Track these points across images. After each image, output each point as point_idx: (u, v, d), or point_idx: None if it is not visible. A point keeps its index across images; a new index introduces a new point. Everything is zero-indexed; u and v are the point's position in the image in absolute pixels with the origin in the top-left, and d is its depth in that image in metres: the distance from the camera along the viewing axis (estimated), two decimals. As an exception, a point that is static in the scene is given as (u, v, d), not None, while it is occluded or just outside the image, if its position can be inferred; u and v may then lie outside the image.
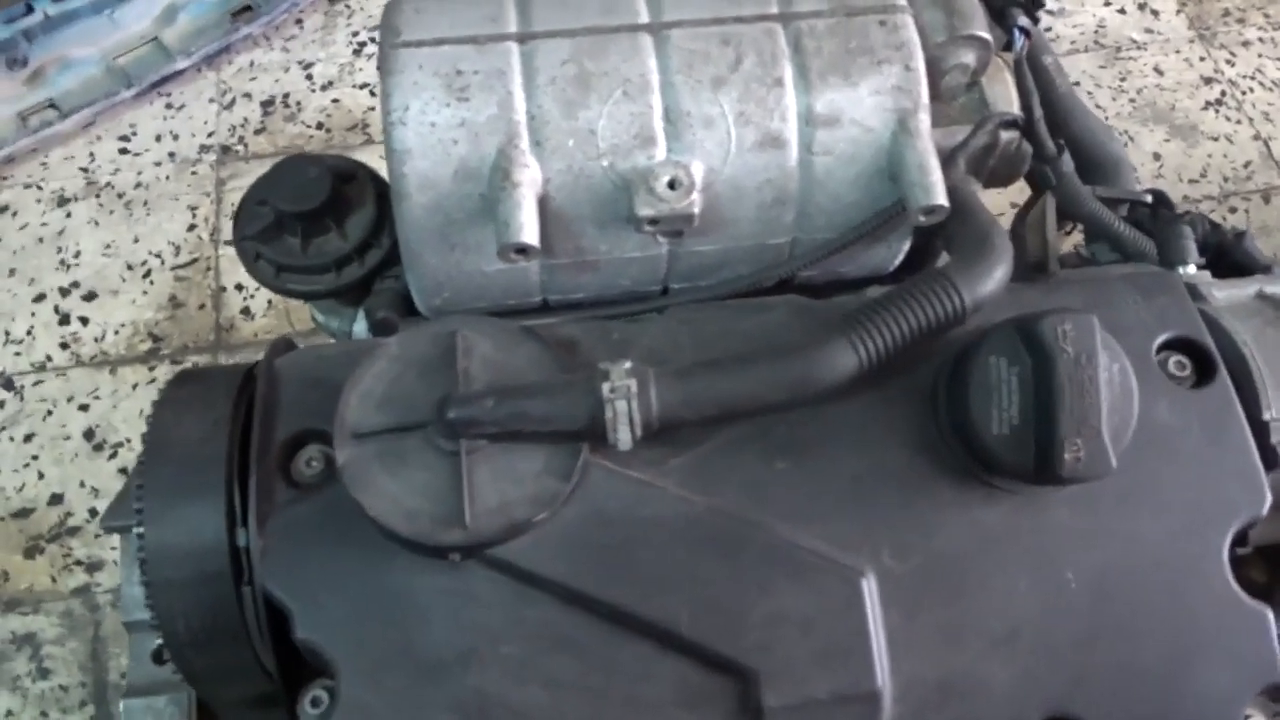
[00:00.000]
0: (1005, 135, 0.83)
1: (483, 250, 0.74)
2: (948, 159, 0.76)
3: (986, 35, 0.79)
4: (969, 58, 0.80)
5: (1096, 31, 2.21)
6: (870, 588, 0.67)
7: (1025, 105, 0.84)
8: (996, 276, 0.70)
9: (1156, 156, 2.04)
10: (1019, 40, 0.84)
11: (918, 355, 0.71)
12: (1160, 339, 0.75)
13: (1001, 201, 1.27)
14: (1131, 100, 2.12)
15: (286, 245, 0.81)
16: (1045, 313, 0.66)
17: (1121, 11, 2.24)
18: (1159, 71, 2.16)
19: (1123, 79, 2.15)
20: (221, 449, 0.70)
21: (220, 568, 0.68)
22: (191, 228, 1.88)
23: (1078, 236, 1.03)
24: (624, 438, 0.65)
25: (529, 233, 0.69)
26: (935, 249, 0.84)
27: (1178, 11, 2.26)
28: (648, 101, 0.73)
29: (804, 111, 0.74)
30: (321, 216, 0.80)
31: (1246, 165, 2.06)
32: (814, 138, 0.74)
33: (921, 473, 0.70)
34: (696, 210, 0.72)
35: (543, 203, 0.72)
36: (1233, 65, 2.18)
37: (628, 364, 0.66)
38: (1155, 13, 2.25)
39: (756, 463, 0.70)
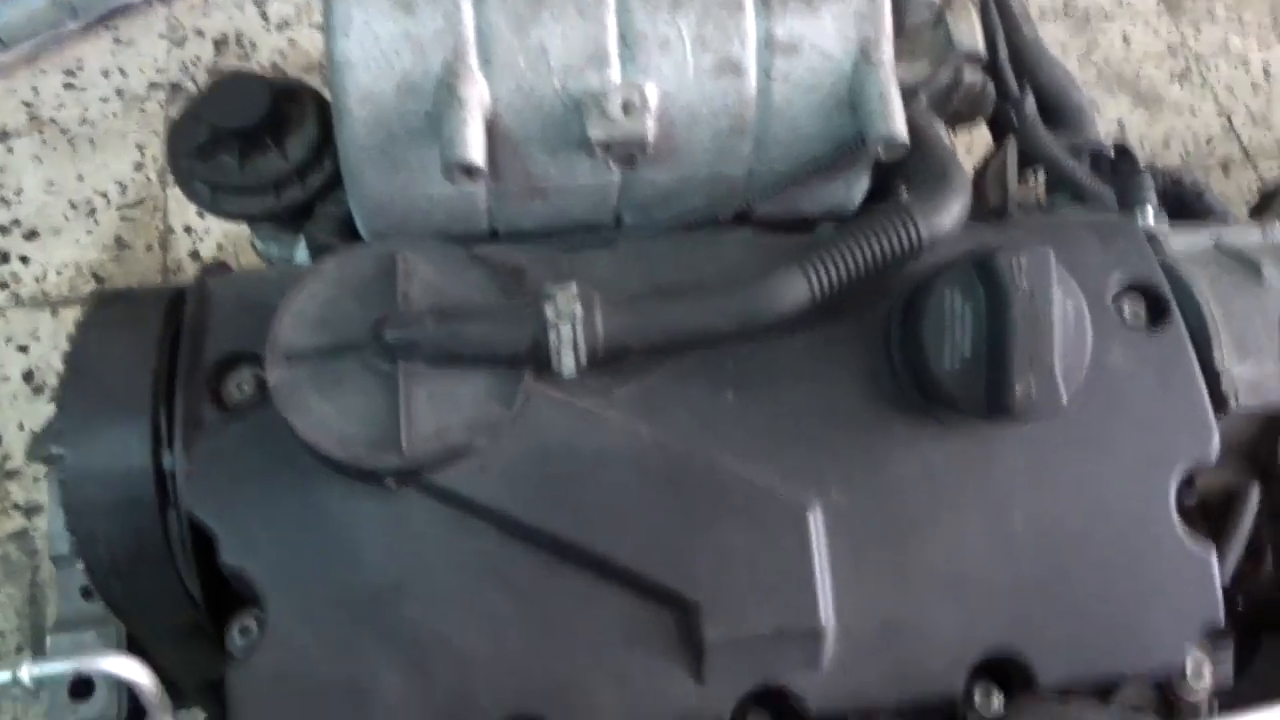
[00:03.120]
0: (969, 74, 0.81)
1: (427, 171, 0.71)
2: (910, 94, 0.74)
3: (952, -32, 0.77)
4: (934, -10, 0.78)
5: (1066, 1, 2.21)
6: (816, 522, 0.66)
7: (990, 43, 0.82)
8: (954, 211, 0.68)
9: (1121, 125, 2.04)
10: (986, -25, 0.83)
11: (872, 290, 0.70)
12: (1115, 282, 0.74)
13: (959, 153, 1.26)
14: (1098, 69, 2.12)
15: (223, 164, 0.77)
16: (1001, 246, 0.65)
17: (1094, -20, 2.24)
18: (1126, 41, 2.16)
19: (1090, 48, 2.14)
20: (148, 368, 0.67)
21: (144, 491, 0.66)
22: (139, 167, 1.82)
23: (1038, 187, 1.02)
24: (568, 364, 0.63)
25: (474, 151, 0.66)
26: (895, 188, 0.83)
27: (1148, -17, 2.26)
28: (602, 20, 0.70)
29: (764, 37, 0.71)
30: (260, 135, 0.76)
31: (1209, 141, 2.07)
32: (773, 64, 0.72)
33: (872, 408, 0.69)
34: (650, 135, 0.70)
35: (491, 124, 0.69)
36: (1199, 38, 2.18)
37: (573, 288, 0.64)
38: (1125, -17, 2.25)
39: (705, 394, 0.68)
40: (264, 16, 1.98)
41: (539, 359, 0.64)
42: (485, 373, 0.65)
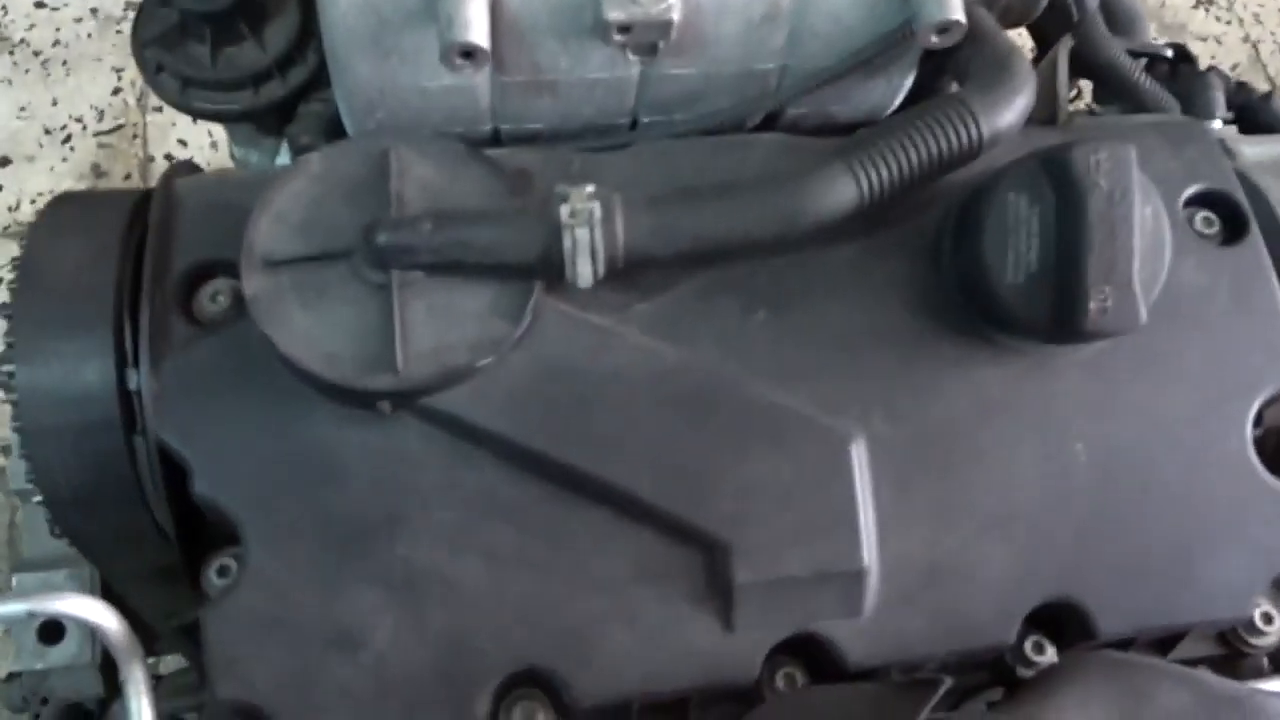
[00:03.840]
0: (1024, -37, 0.73)
1: (422, 59, 0.63)
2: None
3: None
4: None
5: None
6: (859, 455, 0.59)
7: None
8: (1018, 105, 0.61)
9: (1147, 54, 1.95)
10: None
11: (921, 195, 0.62)
12: (1188, 192, 0.67)
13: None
14: (1122, -5, 2.02)
15: (193, 54, 0.69)
16: (1076, 141, 0.57)
17: (1119, -97, 2.13)
18: (1149, -31, 2.07)
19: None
20: (109, 278, 0.59)
21: (107, 414, 0.58)
22: (116, 91, 1.73)
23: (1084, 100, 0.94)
24: (584, 272, 0.56)
25: (476, 31, 0.58)
26: (938, 91, 0.75)
27: (1176, -93, 2.16)
28: (623, -113, 0.62)
29: (804, -90, 0.63)
30: (234, 19, 0.68)
31: (1234, 67, 1.99)
32: (813, -57, 0.64)
33: (921, 329, 0.62)
34: (675, 16, 0.61)
35: (494, 4, 0.61)
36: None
37: (590, 188, 0.56)
38: (1154, -92, 2.15)
39: (734, 312, 0.61)
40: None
41: (551, 268, 0.56)
42: (490, 283, 0.58)
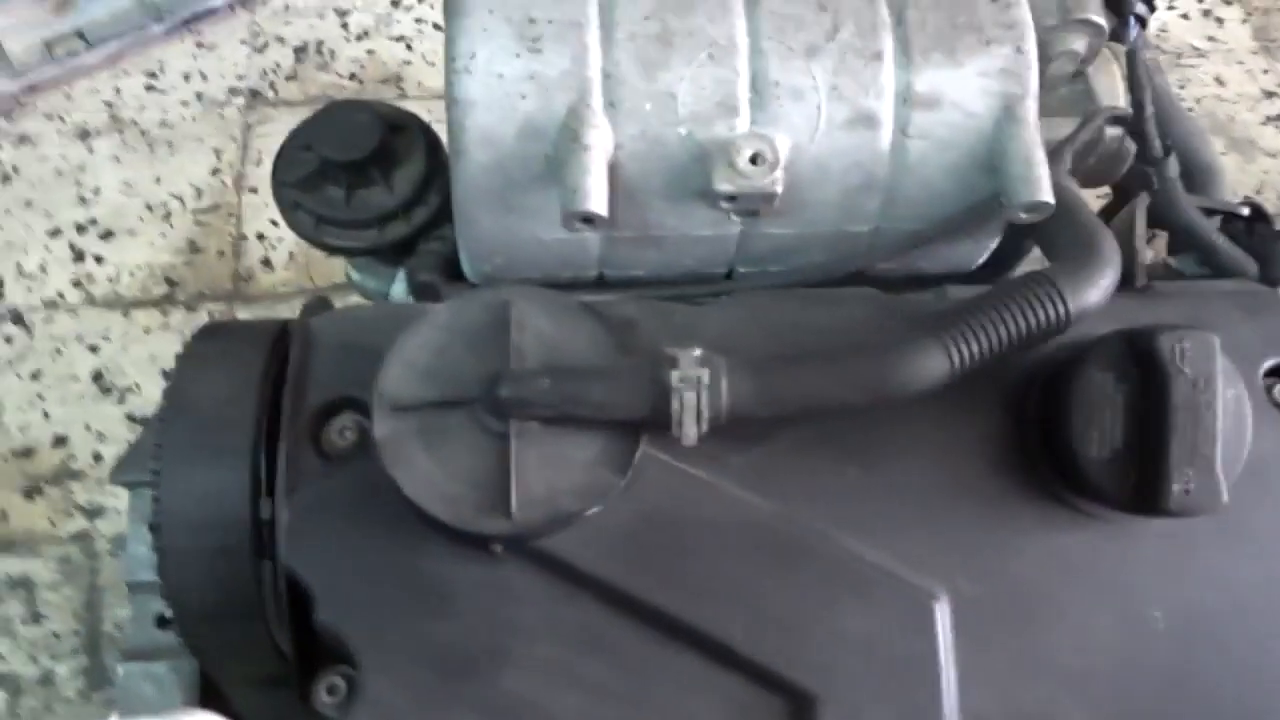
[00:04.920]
0: (1110, 131, 0.77)
1: (542, 216, 0.68)
2: (1052, 153, 0.70)
3: (1101, 21, 0.72)
4: (1079, 44, 0.74)
5: (1158, 36, 2.14)
6: (942, 612, 0.62)
7: (1137, 100, 0.77)
8: (1104, 284, 0.64)
9: (1213, 169, 1.97)
10: (1135, 29, 0.78)
11: (1006, 364, 0.65)
12: (1268, 364, 0.69)
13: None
14: (1189, 109, 2.04)
15: (329, 196, 0.75)
16: (1161, 327, 0.60)
17: (1185, 17, 2.17)
18: (1220, 82, 2.09)
19: (1182, 86, 2.07)
20: (249, 412, 0.64)
21: (240, 540, 0.63)
22: (215, 171, 1.82)
23: (1160, 248, 0.97)
24: (690, 432, 0.60)
25: (596, 200, 0.63)
26: (1023, 249, 0.79)
27: (1243, 21, 2.19)
28: (734, 67, 0.67)
29: (902, 90, 0.68)
30: (368, 167, 0.74)
31: (1304, 184, 1.99)
32: (910, 119, 0.68)
33: (1003, 491, 0.65)
34: (779, 189, 0.66)
35: (611, 169, 0.66)
36: (1304, 81, 2.11)
37: (697, 352, 0.60)
38: (1219, 20, 2.18)
39: (826, 467, 0.64)
40: (344, 26, 1.98)
41: (658, 424, 0.60)
42: (599, 435, 0.61)
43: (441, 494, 0.60)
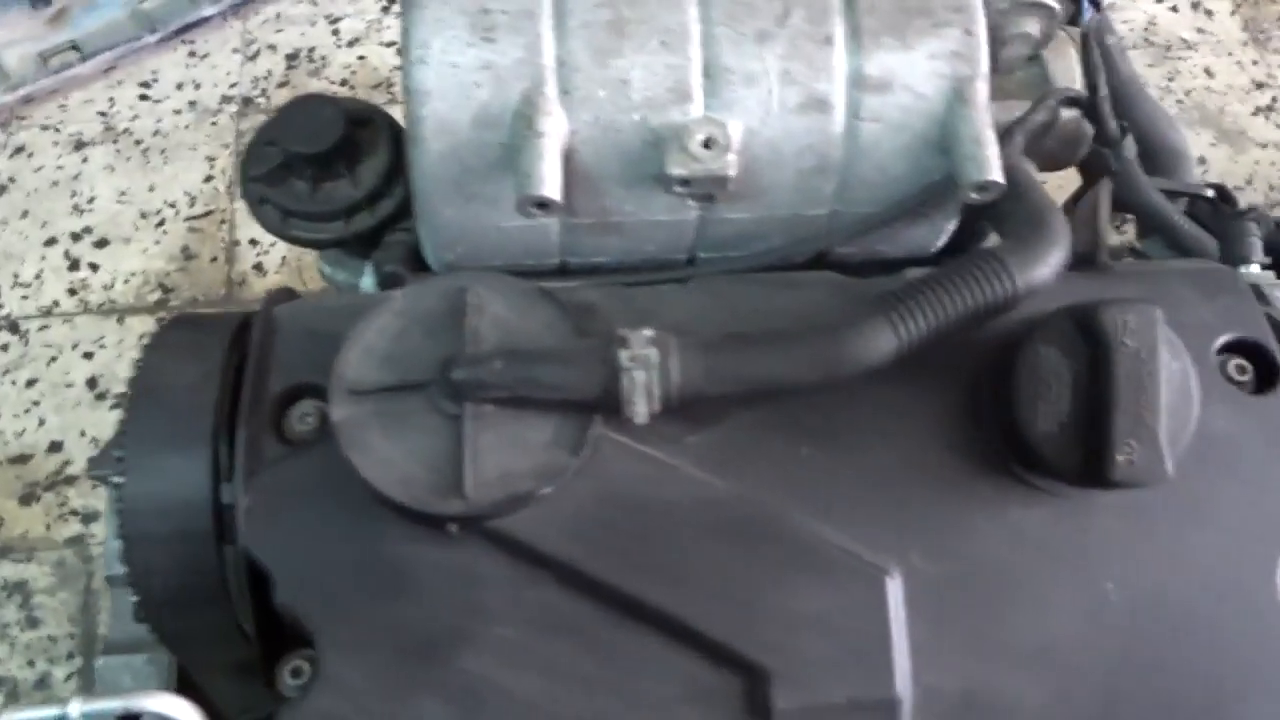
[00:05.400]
0: (1066, 114, 0.77)
1: (500, 203, 0.69)
2: (1004, 135, 0.71)
3: (1053, 3, 0.73)
4: (1033, 27, 0.74)
5: (1147, 29, 2.14)
6: (895, 589, 0.62)
7: (1091, 83, 0.78)
8: (1052, 261, 0.64)
9: (1202, 160, 1.96)
10: (1088, 12, 0.79)
11: (958, 342, 0.66)
12: (1221, 340, 0.70)
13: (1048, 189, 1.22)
14: (1179, 101, 2.05)
15: (294, 189, 0.76)
16: (1105, 301, 0.61)
17: (1174, 9, 2.17)
18: (1209, 73, 2.09)
19: (1171, 78, 2.08)
20: (211, 399, 0.65)
21: (202, 525, 0.64)
22: (209, 179, 1.84)
23: (1128, 232, 0.97)
24: (640, 410, 0.60)
25: (550, 185, 0.64)
26: (980, 231, 0.79)
27: (1232, 13, 2.19)
28: (686, 53, 0.68)
29: (853, 73, 0.69)
30: (333, 160, 0.75)
31: (1295, 174, 1.99)
32: (862, 102, 0.69)
33: (957, 468, 0.65)
34: (732, 172, 0.67)
35: (567, 156, 0.67)
36: (1287, 70, 2.11)
37: (649, 331, 0.61)
38: (1209, 12, 2.18)
39: (780, 447, 0.65)
40: (335, 33, 2.00)
41: (610, 404, 0.61)
42: (553, 416, 0.62)
43: (397, 476, 0.61)
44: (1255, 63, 2.12)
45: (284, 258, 1.76)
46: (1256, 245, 0.81)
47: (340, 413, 0.62)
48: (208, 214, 1.81)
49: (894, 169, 0.71)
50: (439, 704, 0.61)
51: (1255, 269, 0.80)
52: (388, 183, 0.78)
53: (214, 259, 1.77)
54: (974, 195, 0.67)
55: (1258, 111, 2.05)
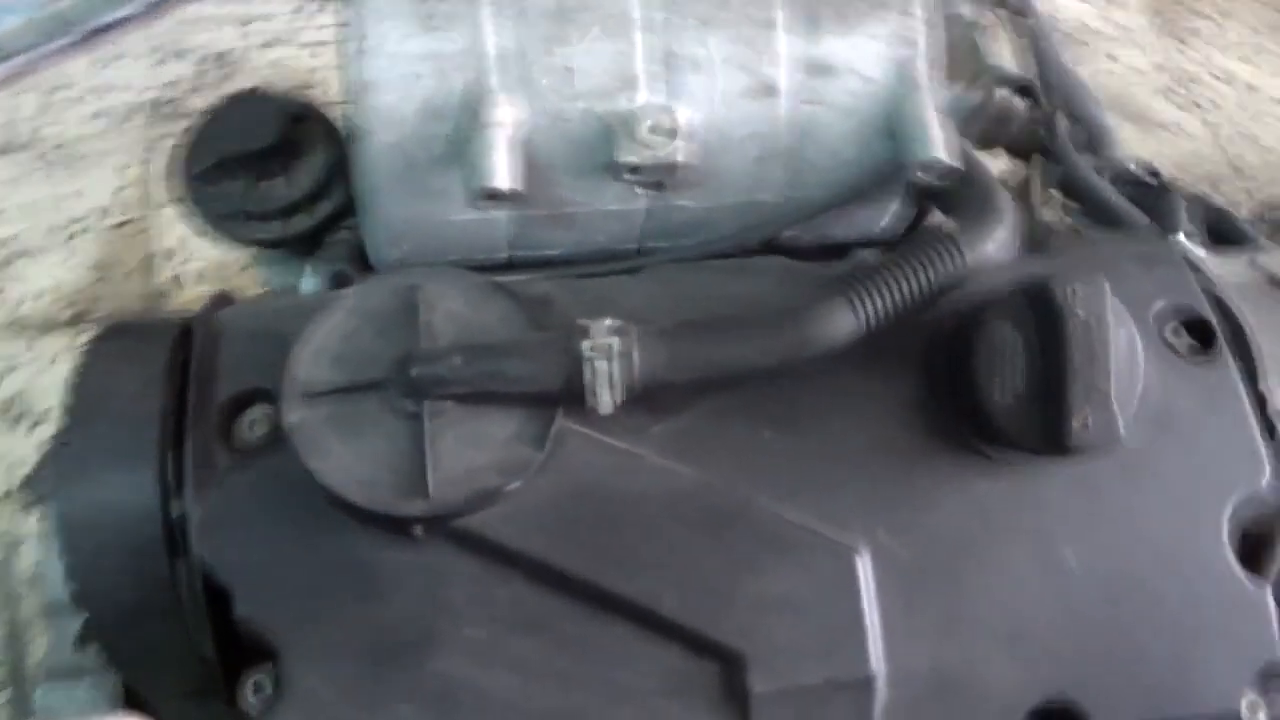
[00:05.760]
0: (1000, 93, 0.79)
1: (448, 197, 0.68)
2: (948, 117, 0.72)
3: (985, -15, 0.75)
4: (965, 8, 0.76)
5: (1055, 14, 2.21)
6: (865, 567, 0.63)
7: (1025, 63, 0.80)
8: (1000, 237, 0.66)
9: (1112, 142, 2.03)
10: (1013, -6, 0.81)
11: (911, 322, 0.67)
12: (1159, 309, 0.72)
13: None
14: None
15: (231, 190, 0.74)
16: (1054, 275, 0.62)
17: (1081, -4, 2.24)
18: (1113, 59, 2.16)
19: (1077, 65, 2.14)
20: (156, 407, 0.63)
21: (153, 540, 0.61)
22: (121, 189, 1.77)
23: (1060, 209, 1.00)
24: (605, 400, 0.60)
25: (501, 176, 0.63)
26: (926, 211, 0.80)
27: (1138, -4, 2.27)
28: (631, 40, 0.67)
29: (799, 58, 0.69)
30: (270, 159, 0.73)
31: (1196, 154, 2.07)
32: (808, 86, 0.69)
33: (918, 444, 0.66)
34: (681, 159, 0.67)
35: (517, 146, 0.66)
36: (1186, 55, 2.19)
37: (610, 321, 0.61)
38: (1116, -1, 2.26)
39: (744, 432, 0.65)
40: (250, 35, 1.94)
41: (573, 396, 0.60)
42: (515, 411, 0.61)
43: (357, 479, 0.59)
44: (1157, 47, 2.20)
45: (202, 271, 1.70)
46: (1184, 218, 0.84)
47: (294, 417, 0.60)
48: (122, 225, 1.75)
49: (843, 153, 0.71)
50: (412, 709, 0.59)
51: (1183, 240, 0.83)
52: (327, 181, 0.75)
53: (130, 272, 1.71)
54: (922, 175, 0.68)
55: (1160, 93, 2.13)
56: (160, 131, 1.82)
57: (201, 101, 1.83)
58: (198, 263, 1.69)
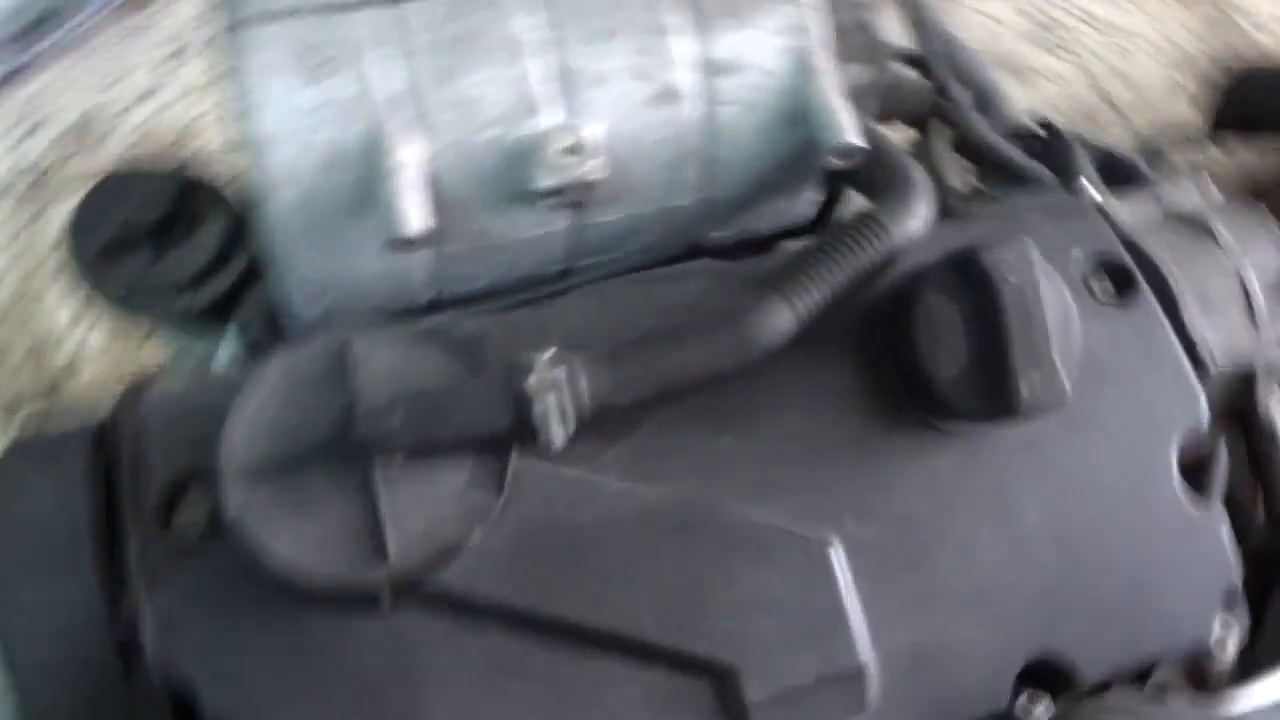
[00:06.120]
0: (894, 67, 0.80)
1: (362, 247, 0.66)
2: (852, 98, 0.72)
3: (869, -35, 0.75)
4: (852, -10, 0.76)
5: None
6: (839, 558, 0.63)
7: (919, 36, 0.81)
8: (921, 212, 0.66)
9: (997, 97, 2.08)
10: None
11: (845, 306, 0.67)
12: (1079, 262, 0.73)
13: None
14: (964, 41, 2.16)
15: (133, 264, 0.70)
16: (980, 244, 0.63)
17: (947, -44, 2.29)
18: (982, 14, 2.22)
19: (950, 19, 2.19)
20: (84, 512, 0.59)
21: (103, 651, 0.58)
22: (3, 270, 1.69)
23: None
24: (556, 434, 0.58)
25: (412, 222, 0.61)
26: (839, 193, 0.81)
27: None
28: (524, 63, 0.66)
29: (698, 59, 0.68)
30: (169, 227, 0.69)
31: (1073, 97, 2.13)
32: (712, 86, 0.69)
33: (871, 427, 0.66)
34: (594, 175, 0.66)
35: (428, 185, 0.64)
36: (1054, 4, 2.25)
37: (549, 352, 0.59)
38: (989, -47, 2.31)
39: (700, 441, 0.64)
40: (122, 92, 1.86)
41: (523, 433, 0.59)
42: (467, 457, 0.60)
43: (312, 555, 0.56)
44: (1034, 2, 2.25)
45: (100, 347, 1.63)
46: (1087, 166, 0.86)
47: (236, 499, 0.57)
48: (5, 313, 1.66)
49: (753, 148, 0.71)
50: None
51: (1090, 189, 0.84)
52: (230, 246, 0.72)
53: (24, 356, 1.63)
54: (834, 160, 0.68)
55: (1038, 46, 2.18)
56: (32, 210, 1.73)
57: (77, 168, 1.76)
58: (98, 337, 1.62)
